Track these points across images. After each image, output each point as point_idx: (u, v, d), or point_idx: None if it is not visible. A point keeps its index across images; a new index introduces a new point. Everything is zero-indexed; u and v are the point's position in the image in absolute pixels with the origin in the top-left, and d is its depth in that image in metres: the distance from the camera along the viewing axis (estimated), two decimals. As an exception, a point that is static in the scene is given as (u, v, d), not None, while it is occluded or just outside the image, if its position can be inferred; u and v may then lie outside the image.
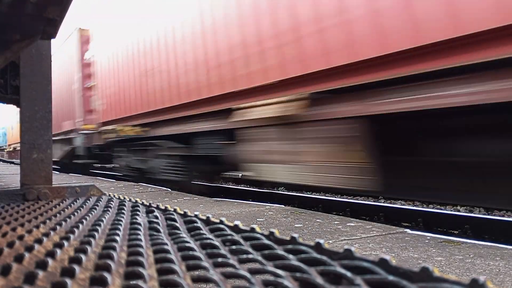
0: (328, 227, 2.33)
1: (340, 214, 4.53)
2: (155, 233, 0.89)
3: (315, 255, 0.63)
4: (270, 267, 0.59)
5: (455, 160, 3.10)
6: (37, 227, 1.00)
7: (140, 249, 0.73)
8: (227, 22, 4.31)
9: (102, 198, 1.56)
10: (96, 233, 0.88)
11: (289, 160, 3.73)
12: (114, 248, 0.74)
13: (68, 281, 0.56)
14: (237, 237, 0.78)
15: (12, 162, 15.27)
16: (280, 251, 0.67)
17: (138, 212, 1.17)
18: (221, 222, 0.92)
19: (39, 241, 0.82)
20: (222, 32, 4.41)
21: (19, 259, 0.70)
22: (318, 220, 2.56)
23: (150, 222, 1.01)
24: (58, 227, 0.98)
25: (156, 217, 1.07)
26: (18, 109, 1.95)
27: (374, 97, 2.93)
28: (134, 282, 0.55)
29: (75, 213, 1.20)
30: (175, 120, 5.56)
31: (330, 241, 1.98)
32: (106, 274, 0.59)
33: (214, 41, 4.55)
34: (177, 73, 5.35)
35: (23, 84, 1.84)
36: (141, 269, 0.61)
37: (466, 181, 3.12)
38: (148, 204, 1.30)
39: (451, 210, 4.55)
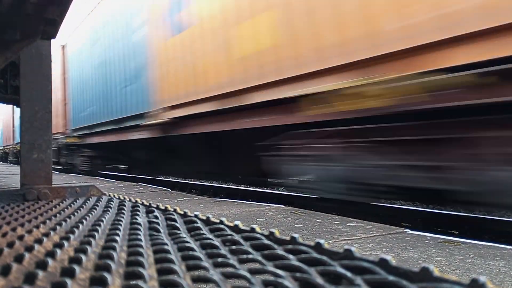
0: (328, 227, 2.33)
1: (340, 214, 4.52)
2: (155, 233, 0.89)
3: (315, 255, 0.63)
4: (270, 267, 0.59)
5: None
6: (37, 227, 1.00)
7: (140, 249, 0.73)
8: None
9: (102, 198, 1.56)
10: (96, 233, 0.88)
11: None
12: (114, 248, 0.74)
13: (68, 281, 0.56)
14: (237, 237, 0.78)
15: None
16: (280, 251, 0.67)
17: (138, 212, 1.17)
18: (221, 222, 0.92)
19: (39, 241, 0.82)
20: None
21: (19, 259, 0.70)
22: (318, 220, 2.56)
23: (150, 222, 1.01)
24: (58, 227, 0.98)
25: (156, 217, 1.07)
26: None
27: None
28: (134, 282, 0.55)
29: (75, 213, 1.20)
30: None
31: (330, 241, 1.98)
32: (106, 274, 0.59)
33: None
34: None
35: (23, 84, 1.84)
36: (141, 269, 0.61)
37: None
38: (148, 204, 1.30)
39: (451, 210, 4.55)
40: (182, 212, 1.09)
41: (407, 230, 2.28)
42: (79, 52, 9.23)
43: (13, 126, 17.41)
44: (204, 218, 0.97)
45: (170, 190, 4.96)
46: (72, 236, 0.86)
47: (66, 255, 0.72)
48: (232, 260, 0.64)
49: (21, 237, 0.87)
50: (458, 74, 2.27)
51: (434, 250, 1.79)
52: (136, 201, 1.40)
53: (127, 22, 6.58)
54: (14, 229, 0.97)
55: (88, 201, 1.50)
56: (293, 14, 3.40)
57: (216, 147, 5.47)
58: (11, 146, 18.64)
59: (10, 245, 0.80)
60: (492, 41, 2.16)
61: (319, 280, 0.53)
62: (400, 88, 2.54)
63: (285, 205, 3.81)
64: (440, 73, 2.37)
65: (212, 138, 5.00)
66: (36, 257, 0.71)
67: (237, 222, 0.87)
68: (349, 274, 0.53)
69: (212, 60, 4.42)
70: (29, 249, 0.76)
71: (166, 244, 0.77)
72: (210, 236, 0.82)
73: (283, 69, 3.47)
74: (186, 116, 4.91)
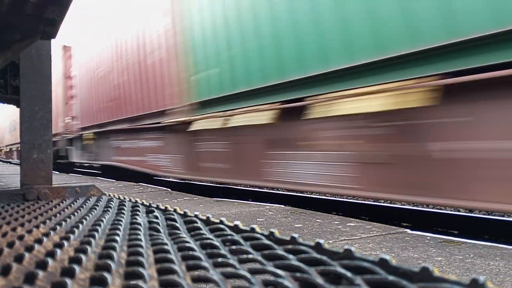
0: (328, 227, 2.33)
1: (340, 214, 4.52)
2: (155, 233, 0.89)
3: (315, 255, 0.63)
4: (270, 267, 0.59)
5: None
6: (37, 227, 1.00)
7: (140, 249, 0.73)
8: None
9: (102, 198, 1.56)
10: (96, 233, 0.88)
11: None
12: (114, 248, 0.74)
13: (68, 281, 0.56)
14: (237, 237, 0.78)
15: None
16: (280, 251, 0.67)
17: (138, 212, 1.17)
18: (221, 222, 0.92)
19: (39, 241, 0.82)
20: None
21: (19, 259, 0.70)
22: (318, 220, 2.56)
23: (150, 222, 1.01)
24: (58, 227, 0.98)
25: (156, 217, 1.07)
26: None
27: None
28: (134, 282, 0.55)
29: (75, 213, 1.20)
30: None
31: (330, 241, 1.98)
32: (106, 274, 0.59)
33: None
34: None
35: (23, 84, 1.84)
36: (141, 269, 0.61)
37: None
38: (148, 204, 1.30)
39: (451, 210, 4.55)
40: (182, 212, 1.09)
41: (407, 230, 2.28)
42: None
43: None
44: (204, 218, 0.98)
45: (170, 190, 4.96)
46: (72, 236, 0.86)
47: (66, 255, 0.72)
48: (232, 260, 0.64)
49: (21, 237, 0.87)
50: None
51: (434, 250, 1.79)
52: (136, 201, 1.40)
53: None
54: (14, 229, 0.97)
55: (88, 201, 1.50)
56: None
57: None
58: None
59: (10, 245, 0.80)
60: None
61: (319, 280, 0.53)
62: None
63: (285, 205, 3.81)
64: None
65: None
66: (36, 257, 0.71)
67: (237, 222, 0.87)
68: (349, 274, 0.53)
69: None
70: (29, 249, 0.76)
71: (166, 244, 0.77)
72: (210, 236, 0.82)
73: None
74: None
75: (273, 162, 3.78)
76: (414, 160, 2.62)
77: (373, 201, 5.19)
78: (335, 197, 5.49)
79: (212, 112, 4.41)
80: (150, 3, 5.77)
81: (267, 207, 3.27)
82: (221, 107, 4.33)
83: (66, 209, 1.31)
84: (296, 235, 0.71)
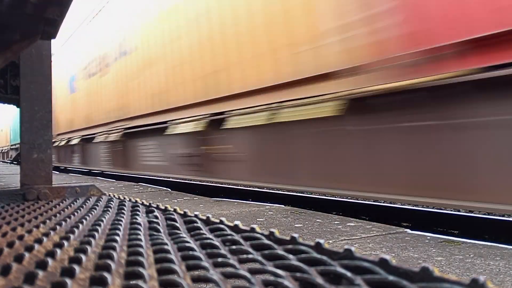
0: (328, 227, 2.33)
1: (340, 214, 4.52)
2: (155, 233, 0.89)
3: (315, 255, 0.63)
4: (270, 267, 0.59)
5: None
6: (37, 227, 1.00)
7: (140, 249, 0.73)
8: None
9: (102, 198, 1.56)
10: (96, 233, 0.88)
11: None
12: (114, 248, 0.74)
13: (68, 281, 0.56)
14: (237, 237, 0.78)
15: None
16: (280, 251, 0.67)
17: (138, 212, 1.17)
18: (221, 222, 0.92)
19: (39, 241, 0.82)
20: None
21: (19, 259, 0.70)
22: (318, 220, 2.56)
23: (150, 222, 1.01)
24: (58, 227, 0.98)
25: (156, 217, 1.07)
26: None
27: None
28: (134, 282, 0.55)
29: (75, 213, 1.20)
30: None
31: (330, 241, 1.98)
32: (106, 274, 0.59)
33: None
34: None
35: (23, 84, 1.84)
36: (141, 269, 0.61)
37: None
38: (148, 204, 1.30)
39: (451, 210, 4.55)
40: (182, 212, 1.09)
41: (407, 230, 2.27)
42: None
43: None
44: (204, 218, 0.98)
45: (170, 190, 4.96)
46: (72, 236, 0.86)
47: (66, 255, 0.72)
48: (232, 260, 0.64)
49: (21, 237, 0.87)
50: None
51: (434, 250, 1.79)
52: (136, 201, 1.40)
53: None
54: (14, 229, 0.97)
55: (88, 201, 1.50)
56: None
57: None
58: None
59: (10, 245, 0.80)
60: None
61: (319, 280, 0.53)
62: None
63: (285, 205, 3.81)
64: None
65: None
66: (36, 257, 0.71)
67: (237, 222, 0.87)
68: (349, 274, 0.53)
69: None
70: (29, 249, 0.76)
71: (166, 244, 0.77)
72: (210, 236, 0.82)
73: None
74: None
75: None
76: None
77: (373, 201, 5.19)
78: (335, 197, 5.49)
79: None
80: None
81: (267, 207, 3.27)
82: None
83: (66, 209, 1.31)
84: (296, 235, 0.71)
